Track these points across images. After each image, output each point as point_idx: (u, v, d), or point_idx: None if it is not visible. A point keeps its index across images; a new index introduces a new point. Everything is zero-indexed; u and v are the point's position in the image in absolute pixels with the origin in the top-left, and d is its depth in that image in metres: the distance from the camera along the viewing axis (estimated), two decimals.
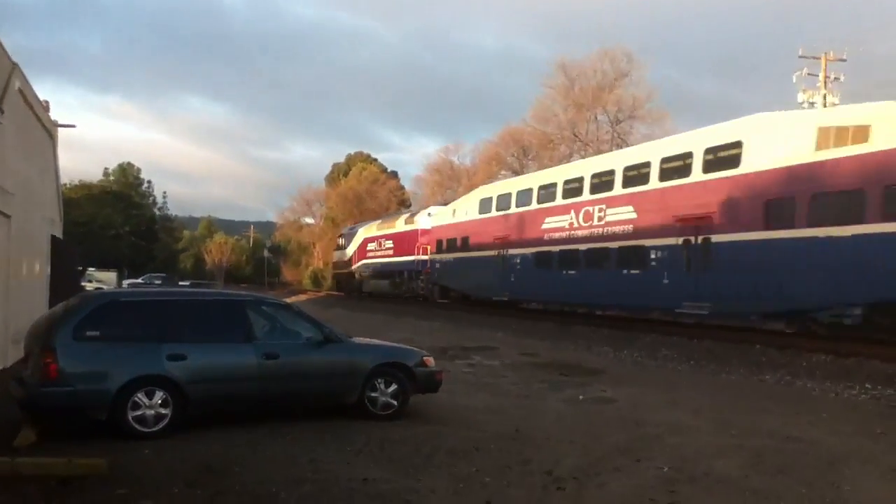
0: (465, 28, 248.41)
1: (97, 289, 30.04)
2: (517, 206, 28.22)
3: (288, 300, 22.65)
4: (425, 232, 37.29)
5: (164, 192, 79.56)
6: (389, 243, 42.11)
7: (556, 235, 25.35)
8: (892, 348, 15.05)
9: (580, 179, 24.64)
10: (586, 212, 23.86)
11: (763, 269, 17.17)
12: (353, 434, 8.38)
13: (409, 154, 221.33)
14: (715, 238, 18.64)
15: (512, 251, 28.07)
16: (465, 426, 9.12)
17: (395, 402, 9.52)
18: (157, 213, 72.71)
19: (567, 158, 47.59)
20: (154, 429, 8.06)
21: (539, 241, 26.32)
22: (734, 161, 18.46)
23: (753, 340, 17.67)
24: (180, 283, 74.67)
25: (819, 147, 16.55)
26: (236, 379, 8.66)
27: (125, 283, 55.80)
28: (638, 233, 21.35)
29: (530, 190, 27.68)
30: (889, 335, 15.79)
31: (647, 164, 21.57)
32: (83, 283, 38.16)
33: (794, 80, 37.12)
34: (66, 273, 21.90)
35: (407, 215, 42.07)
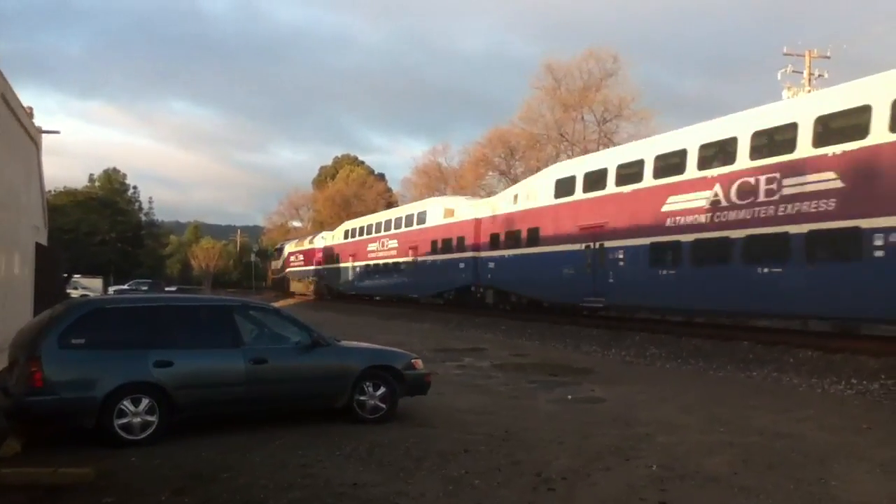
0: (451, 29, 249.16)
1: (83, 296, 29.82)
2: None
3: (276, 304, 22.62)
4: (319, 250, 54.34)
5: (151, 198, 79.56)
6: (301, 257, 60.43)
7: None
8: (878, 343, 15.16)
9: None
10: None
11: None
12: (342, 438, 8.35)
13: (397, 156, 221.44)
14: None
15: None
16: (455, 428, 9.11)
17: (384, 406, 9.49)
18: (144, 218, 72.25)
19: (554, 159, 47.67)
20: (141, 436, 7.99)
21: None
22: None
23: (741, 337, 17.74)
24: (167, 288, 74.32)
25: None
26: (224, 384, 8.61)
27: (111, 289, 55.41)
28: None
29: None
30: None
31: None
32: (69, 290, 37.86)
33: (779, 78, 37.37)
34: (52, 280, 21.74)
35: (310, 237, 60.26)
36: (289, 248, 66.82)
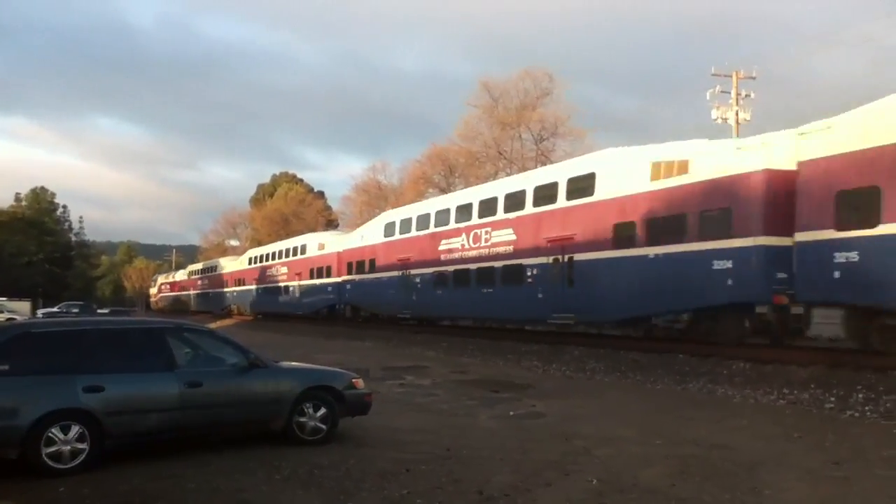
0: (385, 49, 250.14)
1: (9, 319, 28.71)
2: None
3: (212, 325, 22.13)
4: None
5: (81, 217, 77.05)
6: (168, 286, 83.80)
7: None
8: (807, 354, 15.67)
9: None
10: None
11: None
12: (280, 461, 8.19)
13: (333, 173, 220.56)
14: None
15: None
16: (396, 448, 9.04)
17: (324, 427, 9.34)
18: (74, 238, 69.94)
19: (493, 176, 48.07)
20: (70, 465, 7.69)
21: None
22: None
23: (677, 350, 18.12)
24: (99, 311, 72.09)
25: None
26: (157, 409, 8.35)
27: (40, 312, 53.51)
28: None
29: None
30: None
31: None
32: None
33: (708, 98, 38.51)
34: None
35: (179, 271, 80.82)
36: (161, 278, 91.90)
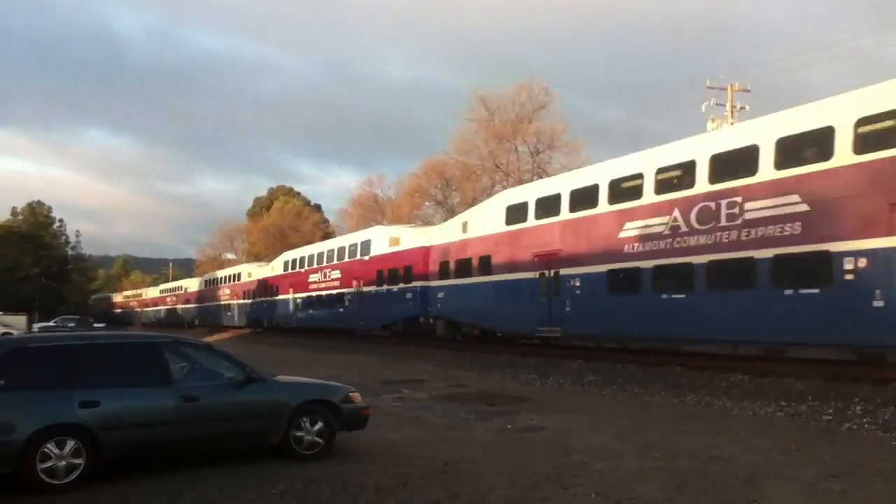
0: (372, 61, 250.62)
1: (4, 334, 28.60)
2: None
3: (209, 339, 22.08)
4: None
5: (78, 231, 77.05)
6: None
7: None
8: (804, 366, 15.66)
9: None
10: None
11: None
12: (277, 476, 8.16)
13: (326, 186, 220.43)
14: None
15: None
16: (393, 462, 9.01)
17: (321, 441, 9.31)
18: (70, 252, 69.79)
19: (489, 189, 48.17)
20: (66, 480, 7.65)
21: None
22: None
23: (674, 363, 18.10)
24: (95, 325, 71.84)
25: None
26: (153, 424, 8.32)
27: (36, 326, 53.30)
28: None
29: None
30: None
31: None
32: None
33: (703, 110, 38.68)
34: None
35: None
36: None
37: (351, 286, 36.88)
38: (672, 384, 16.12)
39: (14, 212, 68.13)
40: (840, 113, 14.31)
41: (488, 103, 46.80)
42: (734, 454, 9.37)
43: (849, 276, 13.85)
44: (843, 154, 14.02)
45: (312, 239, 69.67)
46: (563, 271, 21.62)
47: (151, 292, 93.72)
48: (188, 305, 73.99)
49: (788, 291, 15.02)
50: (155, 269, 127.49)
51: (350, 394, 9.90)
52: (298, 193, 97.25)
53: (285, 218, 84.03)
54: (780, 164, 15.29)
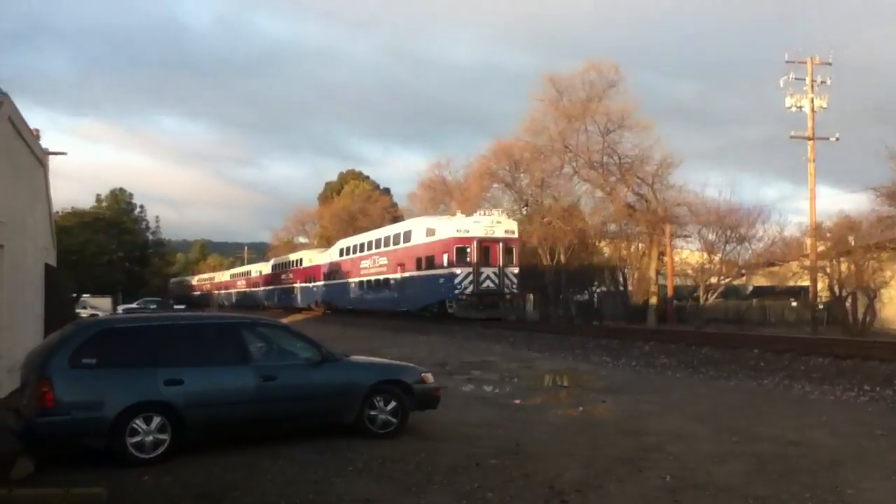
0: (437, 44, 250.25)
1: (92, 316, 29.91)
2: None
3: (284, 320, 22.60)
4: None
5: (157, 217, 79.78)
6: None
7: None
8: (888, 349, 15.10)
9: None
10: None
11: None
12: (352, 453, 8.32)
13: (392, 169, 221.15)
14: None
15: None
16: (465, 442, 9.08)
17: (394, 420, 9.46)
18: (150, 237, 72.20)
19: (559, 170, 47.69)
20: (152, 455, 7.98)
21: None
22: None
23: (750, 345, 17.69)
24: (175, 306, 74.33)
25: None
26: (234, 402, 8.60)
27: (120, 308, 55.54)
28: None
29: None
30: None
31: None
32: (78, 311, 37.97)
33: (782, 85, 37.25)
34: (61, 301, 21.81)
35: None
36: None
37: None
38: (749, 367, 15.77)
39: (98, 199, 70.94)
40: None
41: (557, 83, 46.04)
42: (815, 438, 9.11)
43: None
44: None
45: (381, 222, 70.41)
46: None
47: (222, 276, 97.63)
48: (255, 289, 78.04)
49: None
50: (231, 253, 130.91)
51: (423, 374, 10.01)
52: (367, 177, 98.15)
53: (355, 202, 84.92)
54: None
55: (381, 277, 43.03)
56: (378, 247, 44.32)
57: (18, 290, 14.64)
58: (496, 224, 35.28)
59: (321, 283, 55.43)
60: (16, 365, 10.55)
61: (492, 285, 34.28)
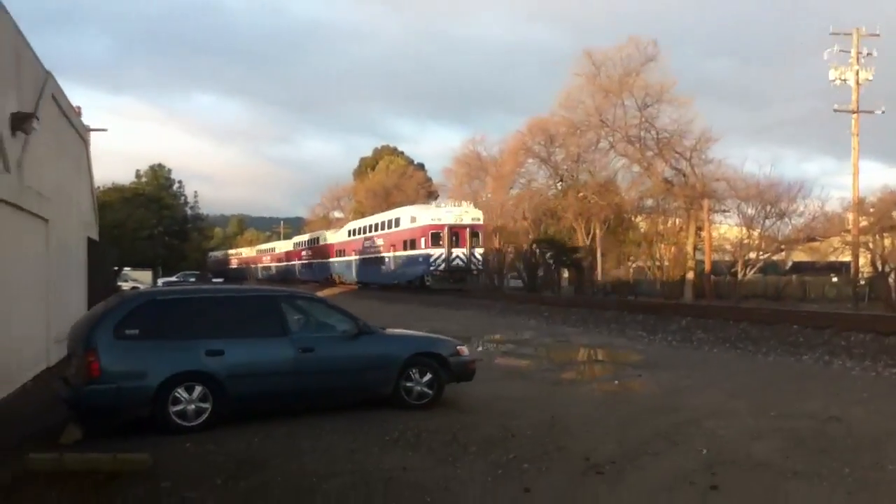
0: (472, 22, 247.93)
1: (134, 288, 30.51)
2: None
3: (320, 293, 22.84)
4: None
5: (196, 192, 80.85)
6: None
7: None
8: None
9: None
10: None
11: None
12: (389, 424, 8.43)
13: (426, 145, 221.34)
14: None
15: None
16: (500, 414, 9.14)
17: (430, 392, 9.56)
18: (189, 212, 73.26)
19: (595, 145, 47.20)
20: (195, 423, 8.19)
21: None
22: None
23: (790, 320, 17.46)
24: (213, 279, 75.48)
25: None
26: (273, 373, 8.76)
27: (160, 281, 56.54)
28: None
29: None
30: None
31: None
32: (120, 283, 38.78)
33: (826, 58, 36.29)
34: (103, 273, 22.28)
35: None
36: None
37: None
38: (788, 342, 15.58)
39: (138, 174, 72.06)
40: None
41: (594, 58, 45.44)
42: (856, 415, 8.99)
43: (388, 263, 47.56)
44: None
45: (416, 198, 70.50)
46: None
47: (250, 252, 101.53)
48: (280, 263, 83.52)
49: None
50: (268, 228, 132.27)
51: (458, 347, 10.09)
52: (402, 153, 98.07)
53: (390, 177, 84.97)
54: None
55: (378, 256, 50.65)
56: (376, 230, 51.68)
57: (63, 263, 15.00)
58: (465, 213, 43.02)
59: (334, 259, 62.06)
60: (62, 335, 10.86)
61: (461, 263, 42.07)
